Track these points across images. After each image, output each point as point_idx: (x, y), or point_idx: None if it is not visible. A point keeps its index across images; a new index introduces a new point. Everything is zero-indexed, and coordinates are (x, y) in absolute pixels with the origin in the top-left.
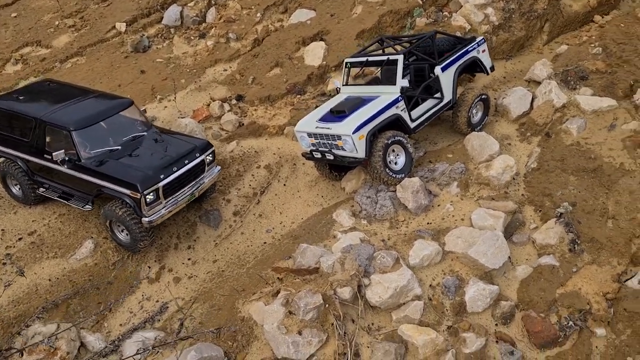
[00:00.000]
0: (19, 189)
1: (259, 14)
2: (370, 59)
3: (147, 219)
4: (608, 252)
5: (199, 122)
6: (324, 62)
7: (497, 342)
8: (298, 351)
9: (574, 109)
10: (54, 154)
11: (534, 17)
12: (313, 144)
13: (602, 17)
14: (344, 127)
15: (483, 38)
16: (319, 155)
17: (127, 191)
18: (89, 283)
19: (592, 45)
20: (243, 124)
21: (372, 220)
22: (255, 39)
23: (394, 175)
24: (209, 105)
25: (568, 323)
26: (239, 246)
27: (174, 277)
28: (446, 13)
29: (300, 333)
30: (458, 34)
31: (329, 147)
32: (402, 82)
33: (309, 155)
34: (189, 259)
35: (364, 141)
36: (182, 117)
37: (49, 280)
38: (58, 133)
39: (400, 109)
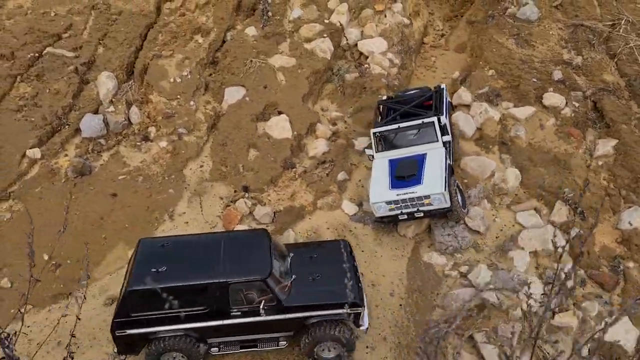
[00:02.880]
0: None
1: (192, 102)
2: (402, 125)
3: (364, 327)
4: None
5: (228, 227)
6: (295, 132)
7: None
8: None
9: (511, 120)
10: (261, 307)
11: (411, 52)
12: (392, 209)
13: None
14: (432, 187)
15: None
16: (404, 217)
17: (345, 310)
18: None
19: (486, 69)
20: (276, 213)
21: (459, 251)
22: (207, 126)
23: (464, 211)
24: (228, 206)
25: None
26: (390, 313)
27: None
28: (366, 65)
29: None
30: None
31: (416, 207)
32: (445, 137)
33: (388, 219)
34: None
35: (449, 193)
36: (214, 228)
37: None
38: (246, 287)
39: (448, 159)
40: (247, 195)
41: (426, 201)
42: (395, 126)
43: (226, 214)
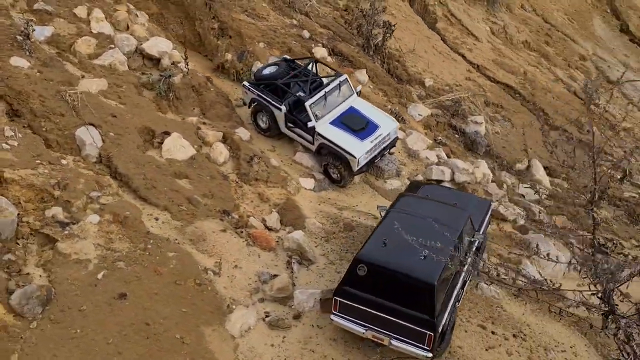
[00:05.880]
0: None
1: (64, 161)
2: (327, 89)
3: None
4: None
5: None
6: (196, 145)
7: None
8: None
9: None
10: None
11: None
12: (367, 157)
13: None
14: (389, 125)
15: None
16: (378, 157)
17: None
18: None
19: (256, 43)
20: (278, 213)
21: (398, 170)
22: (110, 178)
23: None
24: (240, 232)
25: None
26: None
27: None
28: (181, 64)
29: None
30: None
31: (382, 144)
32: (357, 89)
33: (366, 167)
34: None
35: None
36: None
37: None
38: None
39: None
40: (232, 217)
41: (386, 138)
42: (322, 93)
43: (257, 237)
